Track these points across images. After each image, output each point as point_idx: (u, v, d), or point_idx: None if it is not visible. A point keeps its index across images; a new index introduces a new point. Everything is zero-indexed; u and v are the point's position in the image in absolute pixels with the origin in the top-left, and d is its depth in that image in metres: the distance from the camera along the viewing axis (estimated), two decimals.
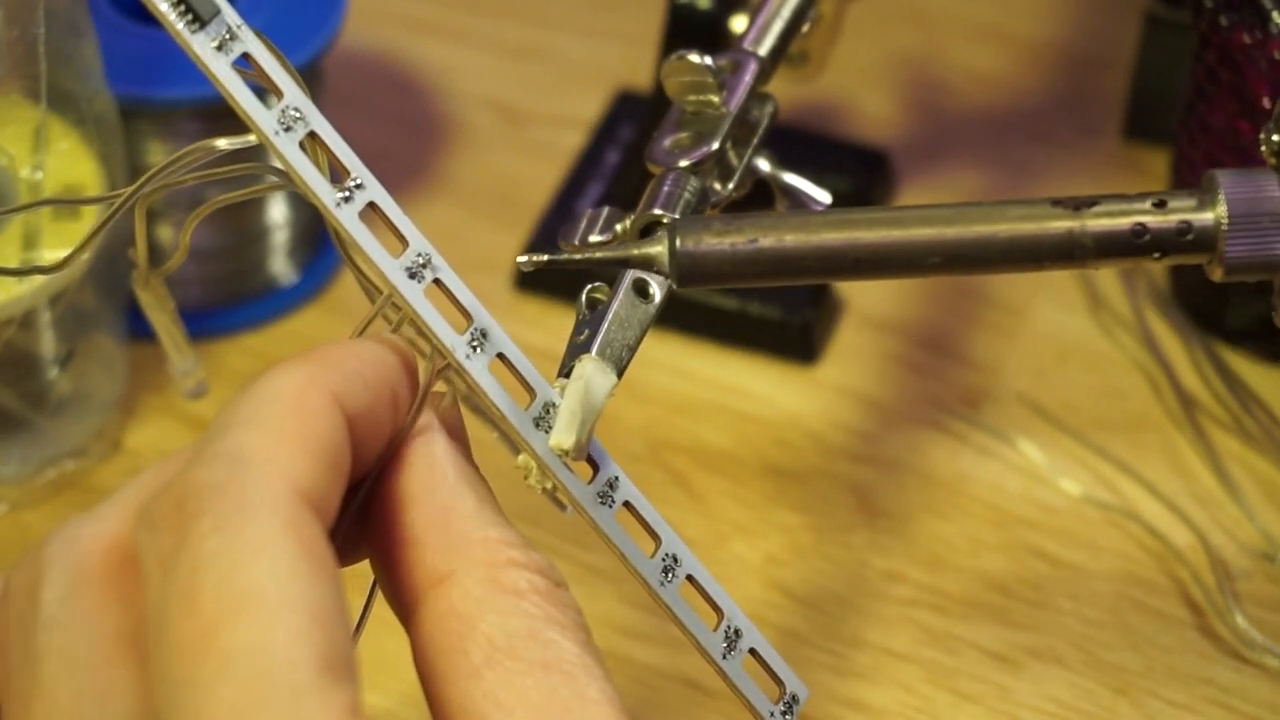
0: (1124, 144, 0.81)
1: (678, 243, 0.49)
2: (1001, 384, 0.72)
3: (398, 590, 0.43)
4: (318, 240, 0.75)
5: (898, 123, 0.82)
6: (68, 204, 0.62)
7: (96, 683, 0.39)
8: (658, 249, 0.50)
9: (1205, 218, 0.49)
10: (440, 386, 0.45)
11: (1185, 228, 0.49)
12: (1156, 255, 0.49)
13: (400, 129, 0.80)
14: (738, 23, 0.70)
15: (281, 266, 0.74)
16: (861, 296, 0.74)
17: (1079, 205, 0.49)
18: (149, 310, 0.51)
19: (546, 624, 0.42)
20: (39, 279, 0.62)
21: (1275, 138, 0.51)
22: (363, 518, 0.44)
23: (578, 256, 0.50)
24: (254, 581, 0.38)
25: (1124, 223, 0.49)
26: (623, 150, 0.78)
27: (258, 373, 0.76)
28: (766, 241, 0.50)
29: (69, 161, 0.64)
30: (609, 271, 0.50)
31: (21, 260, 0.62)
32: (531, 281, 0.74)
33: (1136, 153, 0.80)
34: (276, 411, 0.41)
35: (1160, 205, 0.49)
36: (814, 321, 0.72)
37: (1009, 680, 0.64)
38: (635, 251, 0.50)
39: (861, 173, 0.78)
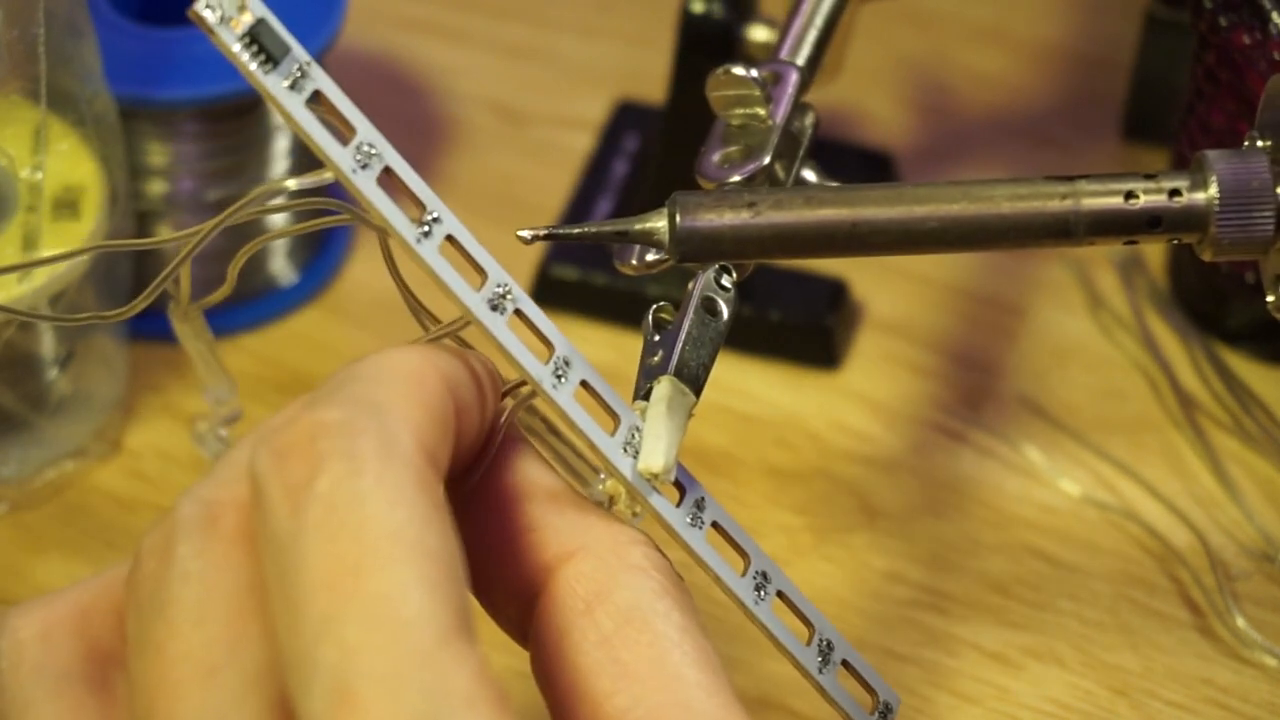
0: (1124, 145, 0.81)
1: (678, 217, 0.49)
2: (1001, 385, 0.72)
3: (510, 580, 0.45)
4: (317, 241, 0.75)
5: (901, 125, 0.82)
6: (127, 247, 0.63)
7: (229, 631, 0.40)
8: (658, 223, 0.50)
9: (1196, 196, 0.50)
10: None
11: (1175, 192, 0.50)
12: (1150, 227, 0.50)
13: (400, 129, 0.80)
14: (758, 32, 0.70)
15: (281, 267, 0.74)
16: (860, 297, 0.74)
17: (1072, 178, 0.50)
18: (186, 340, 0.51)
19: (664, 597, 0.44)
20: (39, 279, 0.62)
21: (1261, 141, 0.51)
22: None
23: (575, 231, 0.50)
24: (396, 528, 0.39)
25: (1117, 187, 0.50)
26: (629, 161, 0.78)
27: (258, 374, 0.76)
28: (767, 215, 0.50)
29: (69, 162, 0.64)
30: (675, 293, 0.50)
31: (22, 261, 0.62)
32: (543, 294, 0.73)
33: (1136, 154, 0.80)
34: (400, 374, 0.42)
35: (1151, 178, 0.50)
36: (834, 326, 0.72)
37: (1009, 681, 0.64)
38: (636, 226, 0.50)
39: (867, 175, 0.78)
